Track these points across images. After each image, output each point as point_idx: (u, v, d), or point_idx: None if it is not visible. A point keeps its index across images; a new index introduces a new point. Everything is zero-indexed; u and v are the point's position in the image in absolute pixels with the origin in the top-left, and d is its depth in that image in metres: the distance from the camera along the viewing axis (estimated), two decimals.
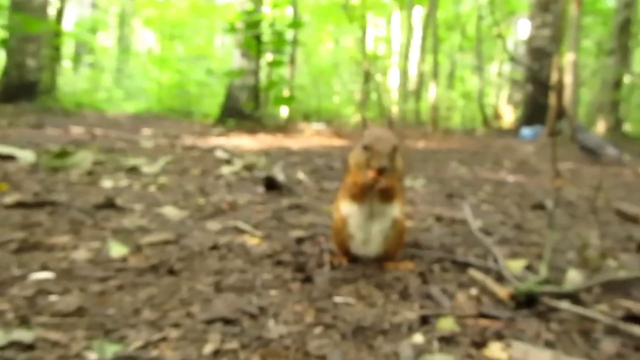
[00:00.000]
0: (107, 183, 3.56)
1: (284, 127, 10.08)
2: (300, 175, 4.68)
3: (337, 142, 8.83)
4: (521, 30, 21.00)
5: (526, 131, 12.43)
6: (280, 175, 4.09)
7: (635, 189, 5.09)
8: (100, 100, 17.83)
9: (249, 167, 4.96)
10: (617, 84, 14.95)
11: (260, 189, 3.77)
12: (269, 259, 1.89)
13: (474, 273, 1.75)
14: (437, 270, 1.89)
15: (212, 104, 16.19)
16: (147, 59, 22.92)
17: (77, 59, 21.90)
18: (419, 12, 20.40)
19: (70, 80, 18.58)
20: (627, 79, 16.80)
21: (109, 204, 2.65)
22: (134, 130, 9.40)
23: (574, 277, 1.74)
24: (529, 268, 1.93)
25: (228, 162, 5.23)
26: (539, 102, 12.90)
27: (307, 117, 16.61)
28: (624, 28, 14.86)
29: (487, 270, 1.88)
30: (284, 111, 13.49)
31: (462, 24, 21.18)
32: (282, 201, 3.36)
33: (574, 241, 2.62)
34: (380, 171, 1.65)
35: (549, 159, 7.75)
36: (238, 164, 5.03)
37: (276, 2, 10.30)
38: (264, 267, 1.79)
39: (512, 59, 16.78)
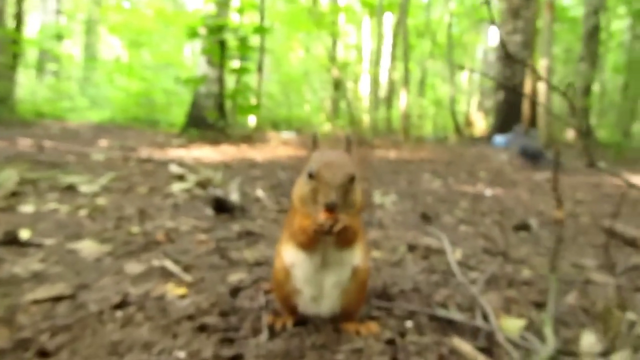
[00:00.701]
0: (27, 208, 3.04)
1: (250, 137, 9.59)
2: (259, 192, 4.22)
3: (304, 152, 8.40)
4: (491, 37, 20.94)
5: (499, 139, 12.19)
6: (234, 195, 3.62)
7: (620, 202, 4.77)
8: (63, 110, 17.10)
9: (203, 184, 4.48)
10: (587, 91, 14.92)
11: (210, 211, 3.30)
12: (189, 321, 1.43)
13: (458, 344, 1.32)
14: (411, 331, 1.45)
15: (180, 114, 15.63)
16: (113, 67, 22.21)
17: (40, 67, 21.11)
18: (389, 19, 20.18)
19: (31, 88, 17.80)
20: (596, 87, 16.85)
21: (10, 240, 2.15)
22: (90, 141, 8.80)
23: (590, 344, 1.32)
24: (528, 327, 1.51)
25: (181, 177, 4.74)
26: (512, 109, 12.72)
27: (276, 126, 16.14)
28: (593, 35, 14.86)
29: (475, 332, 1.45)
30: (251, 120, 13.01)
31: (432, 31, 21.05)
32: (231, 227, 2.90)
33: (570, 274, 2.23)
34: (331, 208, 1.22)
35: (524, 167, 7.46)
36: (191, 180, 4.55)
37: (241, 8, 9.84)
38: (180, 338, 1.33)
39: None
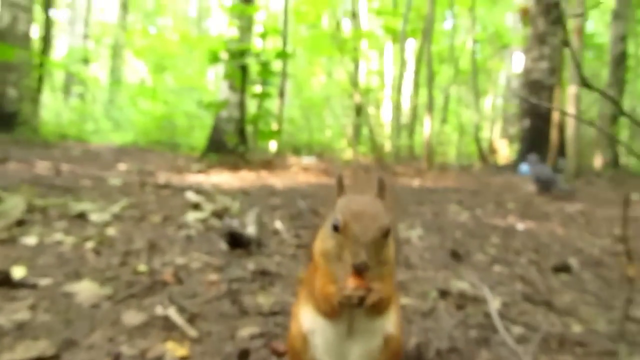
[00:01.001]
0: (30, 239, 2.87)
1: (270, 163, 9.43)
2: (278, 224, 4.00)
3: (325, 179, 8.18)
4: (516, 63, 20.69)
5: (525, 167, 11.83)
6: (251, 227, 3.41)
7: None
8: (87, 132, 17.29)
9: (219, 214, 4.28)
10: (614, 118, 14.51)
11: (224, 246, 3.09)
12: None
13: None
14: None
15: (201, 137, 15.64)
16: (136, 90, 22.49)
17: (66, 90, 21.51)
18: (411, 46, 20.11)
19: (56, 110, 18.07)
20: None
21: (1, 280, 1.96)
22: (109, 164, 8.73)
23: None
24: None
25: (196, 206, 4.55)
26: (538, 136, 12.39)
27: (297, 151, 16.02)
28: (620, 62, 14.53)
29: None
30: (272, 145, 12.89)
31: (455, 57, 20.87)
32: (246, 264, 2.68)
33: (632, 332, 1.95)
34: (361, 270, 0.99)
35: (555, 198, 7.14)
36: (207, 210, 4.36)
37: (263, 33, 9.79)
38: None
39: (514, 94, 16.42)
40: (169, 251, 2.94)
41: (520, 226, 4.68)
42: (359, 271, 1.00)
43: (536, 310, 2.14)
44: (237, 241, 3.01)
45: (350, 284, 1.02)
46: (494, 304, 2.10)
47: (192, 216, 4.14)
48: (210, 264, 2.66)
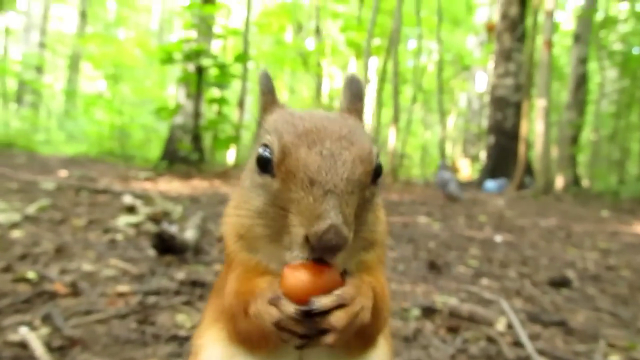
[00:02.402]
0: None
1: (225, 172, 8.80)
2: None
3: None
4: (478, 82, 20.77)
5: (490, 184, 11.56)
6: (190, 232, 2.81)
7: None
8: (37, 142, 16.30)
9: (157, 218, 3.65)
10: (575, 140, 14.52)
11: (153, 252, 2.49)
12: None
13: None
14: None
15: (158, 150, 14.92)
16: (90, 100, 21.53)
17: (18, 99, 20.44)
18: (374, 63, 19.91)
19: (4, 119, 17.03)
20: (593, 136, 16.60)
21: None
22: (50, 171, 7.95)
23: None
24: None
25: (131, 210, 3.91)
26: (503, 153, 12.19)
27: None
28: (580, 84, 14.56)
29: None
30: (230, 156, 12.25)
31: (418, 77, 20.77)
32: (175, 273, 2.09)
33: None
34: (329, 250, 0.45)
35: (526, 213, 6.77)
36: (142, 213, 3.73)
37: (222, 34, 9.23)
38: None
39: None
40: (80, 257, 2.32)
41: (499, 238, 4.22)
42: (325, 256, 0.47)
43: (551, 333, 1.63)
44: (167, 246, 2.41)
45: (304, 284, 0.48)
46: (499, 326, 1.58)
47: (123, 220, 3.50)
48: (127, 272, 2.06)
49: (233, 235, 0.59)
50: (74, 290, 1.68)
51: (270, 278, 0.53)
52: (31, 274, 1.86)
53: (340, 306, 0.51)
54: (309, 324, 0.50)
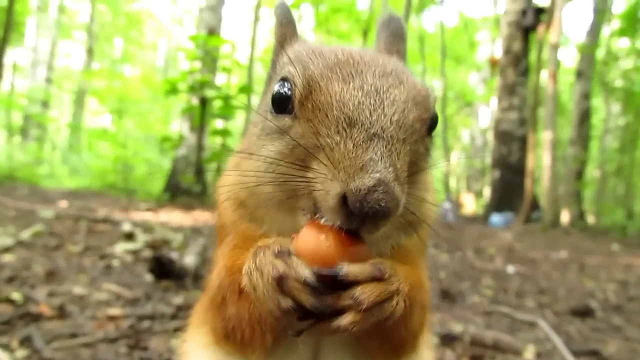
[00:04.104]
0: None
1: None
2: None
3: None
4: (482, 118, 20.82)
5: (496, 218, 11.38)
6: (189, 257, 2.67)
7: None
8: (40, 175, 16.27)
9: (156, 245, 3.51)
10: (579, 175, 14.38)
11: (150, 277, 2.34)
12: None
13: None
14: None
15: (161, 183, 14.87)
16: (94, 134, 21.62)
17: (23, 133, 20.55)
18: None
19: (8, 152, 17.07)
20: (598, 172, 16.49)
21: None
22: (51, 202, 7.84)
23: None
24: None
25: (130, 237, 3.78)
26: (508, 187, 12.05)
27: None
28: (584, 119, 14.52)
29: None
30: None
31: None
32: (172, 298, 1.95)
33: None
34: (370, 217, 0.33)
35: (536, 246, 6.60)
36: (141, 241, 3.60)
37: (225, 67, 9.24)
38: None
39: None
40: (72, 281, 2.18)
41: (511, 269, 4.05)
42: (365, 226, 0.34)
43: None
44: (165, 271, 2.27)
45: (327, 248, 0.35)
46: (527, 354, 1.43)
47: (121, 247, 3.37)
48: (121, 296, 1.92)
49: (231, 201, 0.46)
50: (61, 313, 1.54)
51: (278, 238, 0.40)
52: (16, 295, 1.72)
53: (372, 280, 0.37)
54: (321, 299, 0.37)
